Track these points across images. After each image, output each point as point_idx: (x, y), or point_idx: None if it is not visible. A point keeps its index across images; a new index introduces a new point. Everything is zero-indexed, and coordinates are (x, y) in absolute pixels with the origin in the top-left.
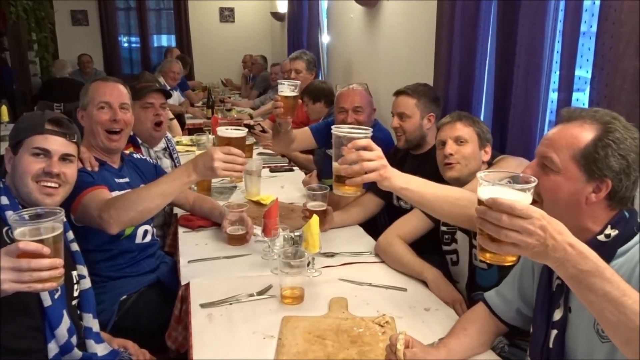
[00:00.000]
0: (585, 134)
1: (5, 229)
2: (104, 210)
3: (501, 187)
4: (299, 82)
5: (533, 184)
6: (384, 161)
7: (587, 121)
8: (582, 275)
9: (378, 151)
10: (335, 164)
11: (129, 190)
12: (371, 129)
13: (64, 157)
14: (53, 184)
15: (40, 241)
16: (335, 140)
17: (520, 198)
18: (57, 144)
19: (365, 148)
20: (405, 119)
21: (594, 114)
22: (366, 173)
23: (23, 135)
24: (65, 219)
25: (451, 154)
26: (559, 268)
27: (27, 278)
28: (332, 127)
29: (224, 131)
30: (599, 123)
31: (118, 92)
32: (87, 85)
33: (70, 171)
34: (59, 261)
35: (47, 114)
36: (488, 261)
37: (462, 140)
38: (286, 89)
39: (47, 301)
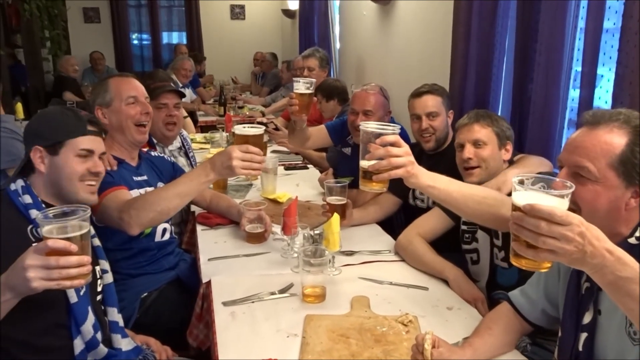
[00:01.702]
0: (618, 139)
1: (29, 227)
2: (124, 212)
3: (537, 192)
4: (314, 80)
5: (570, 190)
6: (412, 158)
7: (616, 125)
8: (621, 282)
9: (406, 148)
10: (362, 161)
11: (148, 190)
12: (399, 126)
13: (101, 156)
14: (94, 182)
15: (68, 239)
16: (363, 137)
17: (557, 204)
18: (97, 143)
19: (393, 144)
20: (435, 117)
21: (619, 117)
22: (394, 169)
23: (64, 136)
24: None
25: (470, 158)
26: (597, 274)
27: (56, 275)
28: (361, 123)
29: (242, 129)
30: (629, 126)
31: (140, 87)
32: (103, 82)
33: (103, 167)
34: (87, 258)
35: (83, 115)
36: (523, 267)
37: (481, 143)
38: (301, 86)
39: (73, 298)
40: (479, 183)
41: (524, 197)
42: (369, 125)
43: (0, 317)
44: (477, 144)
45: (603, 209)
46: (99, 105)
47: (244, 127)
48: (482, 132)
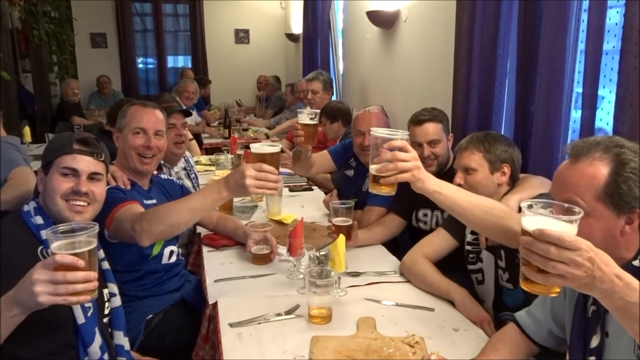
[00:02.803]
0: (600, 170)
1: (40, 248)
2: (136, 222)
3: (547, 217)
4: (318, 111)
5: (579, 216)
6: (419, 163)
7: (596, 156)
8: (630, 306)
9: (413, 153)
10: (371, 165)
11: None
12: (408, 133)
13: (92, 176)
14: (82, 202)
15: (75, 254)
16: (373, 142)
17: (567, 229)
18: (84, 163)
19: (400, 149)
20: (436, 145)
21: (598, 147)
22: (400, 173)
23: (53, 155)
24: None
25: (460, 184)
26: (606, 299)
27: (62, 291)
28: (371, 129)
29: (258, 147)
30: (609, 155)
31: (155, 119)
32: (125, 107)
33: (99, 189)
34: (93, 274)
35: (75, 134)
36: (533, 292)
37: (470, 170)
38: (305, 117)
39: (80, 319)
40: None
41: (533, 222)
42: (379, 131)
43: (8, 332)
44: (466, 170)
45: (599, 240)
46: (117, 128)
47: (261, 145)
48: (472, 158)
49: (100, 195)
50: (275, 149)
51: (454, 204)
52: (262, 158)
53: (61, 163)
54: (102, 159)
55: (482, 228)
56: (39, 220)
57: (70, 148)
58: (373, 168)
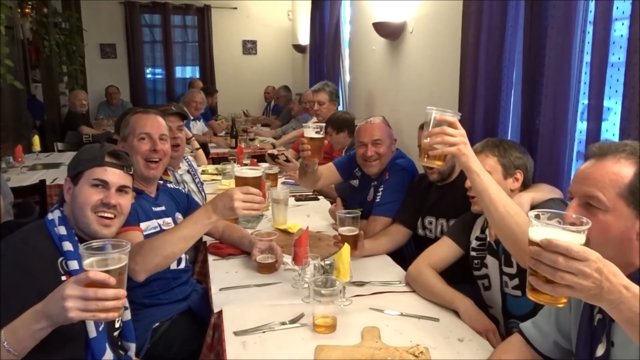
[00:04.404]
0: (626, 169)
1: (60, 259)
2: (130, 258)
3: (554, 228)
4: (323, 125)
5: (587, 226)
6: (466, 140)
7: (623, 155)
8: (637, 317)
9: (461, 130)
10: (423, 141)
11: (166, 220)
12: (460, 113)
13: (121, 189)
14: (109, 215)
15: (107, 272)
16: (427, 119)
17: (575, 239)
18: (115, 176)
19: (450, 125)
20: None
21: (625, 148)
22: (448, 147)
23: (83, 167)
24: None
25: (470, 187)
26: (613, 310)
27: (93, 307)
28: (427, 107)
29: (241, 171)
30: (635, 157)
31: (158, 124)
32: (126, 117)
33: (126, 202)
34: (123, 292)
35: (106, 147)
36: (540, 302)
37: None
38: (312, 131)
39: (92, 333)
40: (480, 213)
41: (541, 232)
42: (433, 109)
43: (34, 344)
44: None
45: (614, 240)
46: (121, 138)
47: (242, 170)
48: (486, 161)
49: (127, 208)
50: (258, 173)
51: (484, 191)
52: (245, 181)
53: (92, 175)
54: (130, 173)
55: (498, 227)
56: (62, 230)
57: (102, 160)
58: (424, 142)
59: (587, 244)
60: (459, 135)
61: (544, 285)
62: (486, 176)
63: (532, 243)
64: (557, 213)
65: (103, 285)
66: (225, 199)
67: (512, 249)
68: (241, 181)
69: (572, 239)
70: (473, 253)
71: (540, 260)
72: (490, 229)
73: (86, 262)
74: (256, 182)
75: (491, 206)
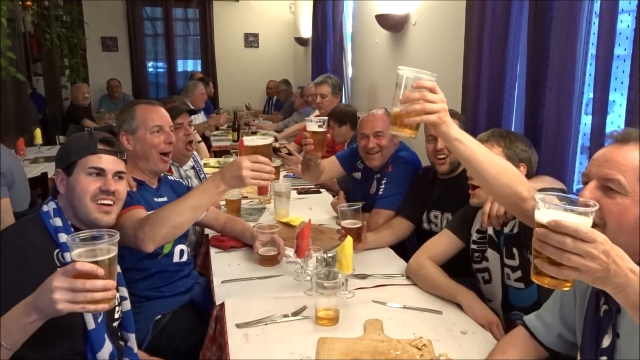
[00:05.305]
0: None
1: (56, 251)
2: (138, 229)
3: (561, 210)
4: (326, 118)
5: (594, 208)
6: (445, 106)
7: None
8: None
9: (441, 95)
10: (394, 107)
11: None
12: (436, 75)
13: (117, 174)
14: (109, 202)
15: (96, 262)
16: (398, 81)
17: (582, 222)
18: (110, 162)
19: (430, 90)
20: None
21: None
22: (427, 114)
23: (76, 156)
24: None
25: (471, 177)
26: (619, 294)
27: (81, 299)
28: (399, 67)
29: (250, 140)
30: None
31: (166, 116)
32: (130, 109)
33: (122, 188)
34: (112, 283)
35: (96, 134)
36: (546, 285)
37: None
38: (314, 125)
39: (90, 324)
40: (480, 204)
41: (548, 214)
42: (406, 70)
43: (26, 337)
44: None
45: (630, 224)
46: (124, 131)
47: (252, 139)
48: (492, 151)
49: (124, 194)
50: (268, 140)
51: (471, 157)
52: (255, 150)
53: (87, 163)
54: (124, 158)
55: (492, 187)
56: (57, 222)
57: (95, 148)
58: (396, 109)
59: (594, 227)
60: (440, 101)
61: (549, 268)
62: (470, 141)
63: (538, 225)
64: (563, 196)
65: (91, 276)
66: (233, 168)
67: (509, 203)
68: (250, 150)
69: (579, 220)
70: (474, 246)
71: (547, 242)
72: (483, 214)
73: (74, 252)
74: (266, 151)
75: (483, 170)
